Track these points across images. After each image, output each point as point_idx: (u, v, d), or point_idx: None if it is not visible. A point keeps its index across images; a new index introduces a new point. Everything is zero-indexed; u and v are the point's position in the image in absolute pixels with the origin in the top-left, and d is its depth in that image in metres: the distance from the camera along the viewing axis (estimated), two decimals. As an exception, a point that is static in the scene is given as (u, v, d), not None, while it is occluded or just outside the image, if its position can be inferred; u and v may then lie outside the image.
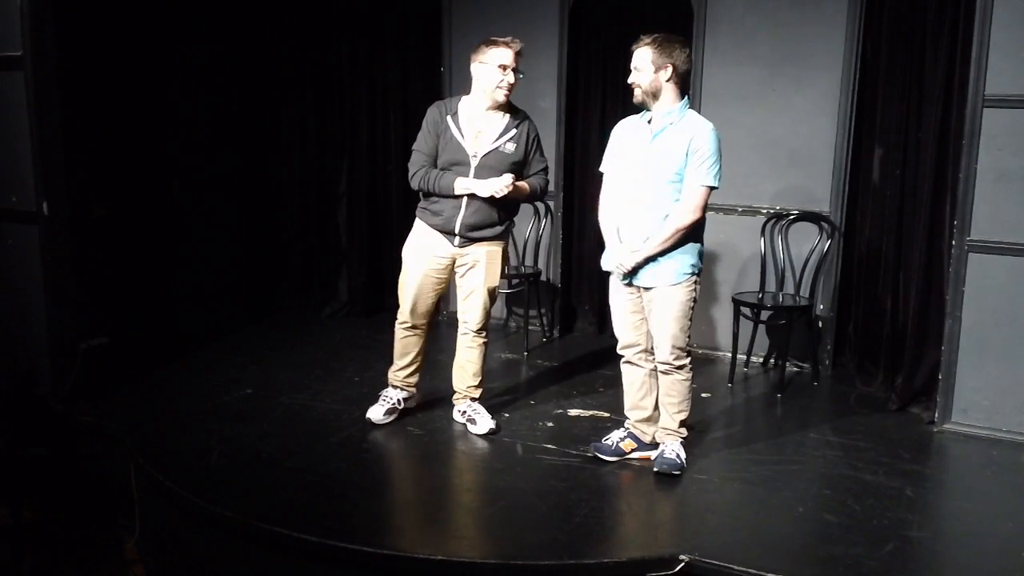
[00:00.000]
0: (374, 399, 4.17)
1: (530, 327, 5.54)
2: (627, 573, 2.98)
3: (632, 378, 3.71)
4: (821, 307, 5.00)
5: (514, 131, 3.81)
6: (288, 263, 6.20)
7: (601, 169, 3.62)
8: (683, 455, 3.63)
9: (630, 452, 3.71)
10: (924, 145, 4.41)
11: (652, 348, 3.61)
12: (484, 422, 4.05)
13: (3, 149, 4.21)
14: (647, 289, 3.49)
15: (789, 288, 4.98)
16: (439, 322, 5.97)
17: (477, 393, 4.13)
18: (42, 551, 3.86)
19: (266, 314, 5.97)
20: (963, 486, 3.83)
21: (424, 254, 3.88)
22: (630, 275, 3.49)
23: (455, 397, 4.17)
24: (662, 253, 3.40)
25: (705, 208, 3.40)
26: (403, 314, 4.00)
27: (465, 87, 5.75)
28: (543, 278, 5.65)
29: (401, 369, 4.11)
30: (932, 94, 4.35)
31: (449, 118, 3.81)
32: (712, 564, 2.95)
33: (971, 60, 3.94)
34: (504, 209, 3.85)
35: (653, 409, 3.71)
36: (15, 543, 3.83)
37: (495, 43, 3.73)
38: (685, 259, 3.44)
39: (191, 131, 5.34)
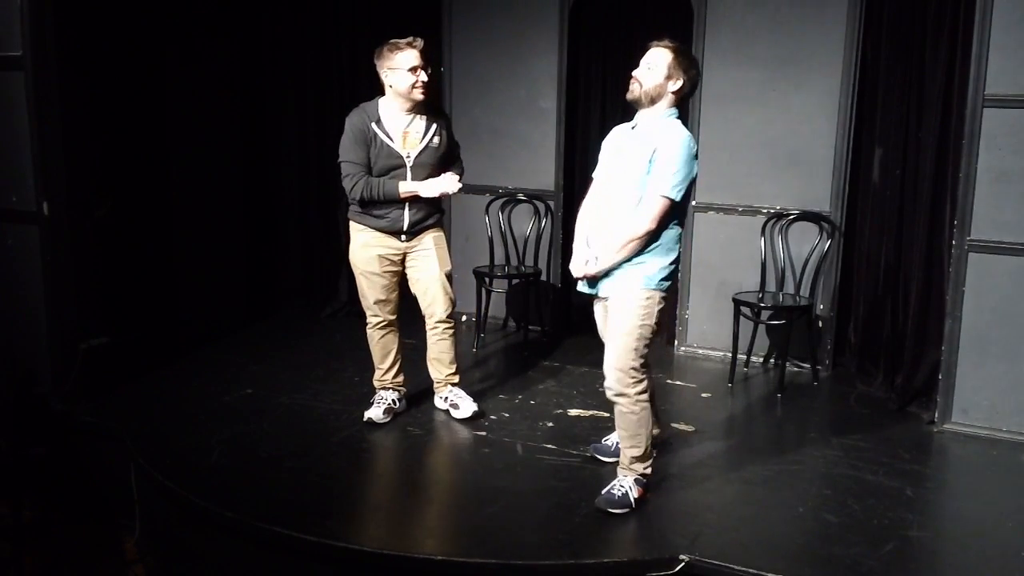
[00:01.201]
0: (374, 400, 4.17)
1: (530, 327, 5.54)
2: (627, 573, 2.98)
3: None
4: (821, 307, 5.00)
5: (435, 125, 3.92)
6: (288, 263, 6.20)
7: (593, 175, 3.50)
8: (634, 493, 3.28)
9: None
10: (924, 145, 4.41)
11: None
12: (467, 405, 4.15)
13: (3, 149, 4.22)
14: (607, 302, 3.32)
15: (789, 288, 4.98)
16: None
17: (456, 379, 4.22)
18: (42, 551, 3.85)
19: (266, 314, 5.96)
20: (963, 486, 3.84)
21: (374, 254, 3.94)
22: (590, 284, 3.32)
23: (436, 386, 4.25)
24: (619, 264, 3.20)
25: (662, 220, 3.13)
26: (373, 317, 4.04)
27: (466, 87, 5.79)
28: (543, 278, 5.65)
29: (387, 372, 4.14)
30: (932, 94, 4.35)
31: (374, 125, 3.84)
32: (712, 564, 2.95)
33: (971, 60, 3.94)
34: (438, 199, 3.98)
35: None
36: (15, 543, 3.83)
37: (398, 47, 3.75)
38: (638, 270, 3.18)
39: (191, 131, 5.34)
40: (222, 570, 3.43)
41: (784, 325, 4.81)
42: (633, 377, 3.21)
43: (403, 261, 4.01)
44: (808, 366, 4.96)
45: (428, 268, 3.98)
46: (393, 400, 4.16)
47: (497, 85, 5.58)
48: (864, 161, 4.90)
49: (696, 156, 3.17)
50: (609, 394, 3.26)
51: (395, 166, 3.85)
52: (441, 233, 4.05)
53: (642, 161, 3.15)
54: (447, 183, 3.86)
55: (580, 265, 3.30)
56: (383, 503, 3.53)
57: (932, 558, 3.15)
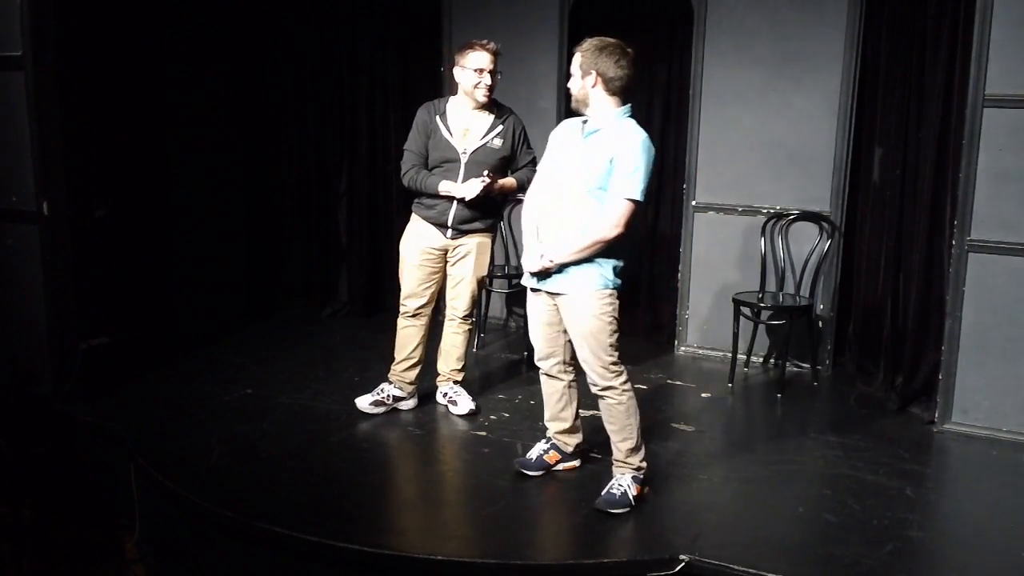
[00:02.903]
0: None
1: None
2: (627, 573, 2.98)
3: (550, 390, 3.56)
4: (821, 307, 5.00)
5: (500, 127, 3.97)
6: (288, 263, 6.20)
7: (538, 168, 3.47)
8: (632, 491, 3.29)
9: (555, 464, 3.60)
10: (924, 145, 4.41)
11: (570, 360, 3.46)
12: (464, 403, 4.21)
13: (3, 149, 4.22)
14: (557, 298, 3.30)
15: (789, 288, 4.98)
16: (440, 323, 5.99)
17: (460, 376, 4.28)
18: (42, 551, 3.86)
19: (266, 314, 5.96)
20: (963, 486, 3.84)
21: (418, 245, 4.03)
22: (539, 276, 3.31)
23: (438, 379, 4.30)
24: (575, 262, 3.20)
25: (628, 224, 3.16)
26: (403, 304, 4.11)
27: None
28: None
29: (399, 363, 4.17)
30: (932, 94, 4.35)
31: (438, 118, 3.97)
32: (712, 564, 2.95)
33: (971, 60, 3.94)
34: (493, 203, 4.04)
35: (573, 420, 3.59)
36: (15, 543, 3.83)
37: (472, 47, 3.88)
38: (597, 270, 3.21)
39: (191, 131, 5.33)
40: (222, 570, 3.43)
41: (784, 325, 4.81)
42: (614, 370, 3.28)
43: (445, 259, 4.05)
44: (808, 366, 4.96)
45: (464, 269, 4.06)
46: (390, 395, 4.17)
47: (497, 84, 5.57)
48: (864, 161, 4.90)
49: (653, 157, 3.21)
50: (595, 390, 3.32)
51: (449, 159, 3.93)
52: (488, 239, 4.09)
53: (601, 161, 3.15)
54: (471, 186, 3.85)
55: (535, 260, 3.27)
56: (383, 503, 3.53)
57: (932, 558, 3.15)
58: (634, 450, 3.35)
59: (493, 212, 4.09)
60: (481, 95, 3.89)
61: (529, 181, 3.90)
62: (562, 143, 3.33)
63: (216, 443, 3.83)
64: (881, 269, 4.76)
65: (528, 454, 3.66)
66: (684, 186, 5.23)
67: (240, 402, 4.35)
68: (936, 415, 4.19)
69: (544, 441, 3.67)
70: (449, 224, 3.96)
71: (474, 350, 5.29)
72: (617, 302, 3.30)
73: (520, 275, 5.42)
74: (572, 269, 3.22)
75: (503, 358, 5.24)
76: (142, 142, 5.05)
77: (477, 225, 4.00)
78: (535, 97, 5.52)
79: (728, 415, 4.48)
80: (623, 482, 3.33)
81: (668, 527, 3.27)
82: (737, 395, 4.74)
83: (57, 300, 4.27)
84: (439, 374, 4.30)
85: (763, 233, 4.96)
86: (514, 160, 4.04)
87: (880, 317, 4.78)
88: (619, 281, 3.29)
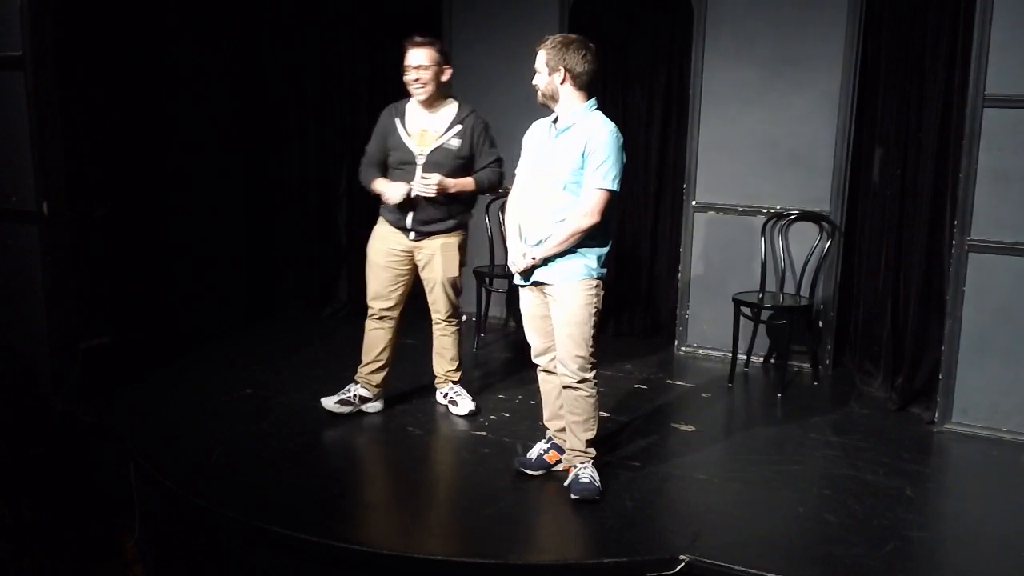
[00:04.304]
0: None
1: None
2: (627, 573, 2.98)
3: (548, 387, 3.58)
4: (821, 307, 5.00)
5: (459, 127, 3.90)
6: (288, 263, 6.19)
7: (516, 171, 3.55)
8: (597, 477, 3.42)
9: (555, 464, 3.60)
10: (924, 145, 4.41)
11: None
12: (465, 403, 4.20)
13: (3, 149, 4.21)
14: (546, 288, 3.37)
15: (789, 288, 4.98)
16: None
17: (457, 376, 4.26)
18: (42, 551, 3.86)
19: (266, 314, 5.96)
20: (963, 486, 3.84)
21: (383, 247, 4.02)
22: (526, 274, 3.39)
23: (436, 382, 4.30)
24: (559, 253, 3.30)
25: (604, 212, 3.26)
26: (369, 305, 4.09)
27: (466, 87, 5.78)
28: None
29: (366, 365, 4.14)
30: (932, 94, 4.34)
31: (397, 119, 3.94)
32: (712, 564, 2.95)
33: (971, 60, 3.94)
34: (457, 203, 3.95)
35: None
36: (15, 543, 3.83)
37: (406, 43, 3.85)
38: (582, 260, 3.30)
39: (191, 131, 5.33)
40: (222, 570, 3.42)
41: (784, 325, 4.81)
42: (591, 362, 3.36)
43: (413, 261, 4.03)
44: (808, 366, 4.96)
45: (432, 272, 4.01)
46: (355, 395, 4.15)
47: (497, 84, 5.58)
48: (864, 161, 4.90)
49: (623, 147, 3.29)
50: (570, 382, 3.37)
51: (406, 160, 3.91)
52: (454, 240, 4.00)
53: (574, 155, 3.26)
54: (396, 188, 3.84)
55: (520, 259, 3.38)
56: (383, 503, 3.53)
57: (932, 558, 3.15)
58: (593, 440, 3.45)
59: (456, 213, 3.99)
60: (416, 92, 3.84)
61: (492, 181, 3.97)
62: (535, 143, 3.44)
63: (216, 443, 3.83)
64: (881, 269, 4.76)
65: (528, 453, 3.67)
66: (684, 186, 5.23)
67: (240, 402, 4.35)
68: (936, 415, 4.19)
69: (544, 441, 3.67)
70: (408, 227, 3.93)
71: (474, 350, 5.29)
72: (602, 292, 3.37)
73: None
74: (557, 260, 3.32)
75: (503, 358, 5.24)
76: (142, 142, 5.05)
77: (438, 227, 3.94)
78: (535, 96, 5.50)
79: (728, 415, 4.48)
80: (588, 471, 3.43)
81: (668, 527, 3.28)
82: (737, 395, 4.74)
83: (57, 300, 4.27)
84: (436, 376, 4.29)
85: (763, 233, 4.96)
86: (474, 161, 3.96)
87: (880, 317, 4.78)
88: (604, 271, 3.38)
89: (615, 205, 3.37)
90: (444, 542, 3.16)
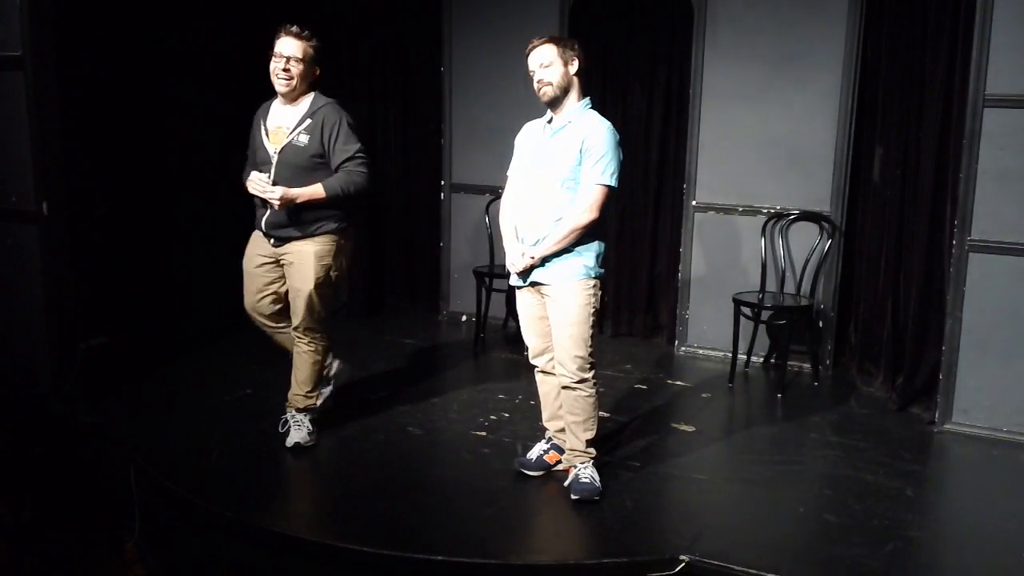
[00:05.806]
0: (374, 400, 4.17)
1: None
2: (627, 573, 2.98)
3: (546, 388, 3.58)
4: (821, 307, 5.00)
5: (308, 122, 3.56)
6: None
7: (507, 173, 3.53)
8: (597, 477, 3.41)
9: (555, 464, 3.59)
10: (924, 145, 4.41)
11: None
12: (296, 434, 3.79)
13: (3, 149, 4.21)
14: (543, 289, 3.36)
15: (789, 288, 4.98)
16: (440, 322, 5.99)
17: (303, 404, 3.84)
18: (42, 551, 3.85)
19: (266, 314, 5.95)
20: (963, 486, 3.84)
21: (252, 251, 3.79)
22: (524, 275, 3.37)
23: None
24: (556, 253, 3.28)
25: (603, 208, 3.26)
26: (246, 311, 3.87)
27: (466, 86, 5.79)
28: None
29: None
30: (932, 94, 4.35)
31: (261, 118, 3.69)
32: (712, 564, 2.95)
33: (971, 60, 3.94)
34: (313, 208, 3.58)
35: None
36: (15, 543, 3.82)
37: (277, 32, 3.58)
38: (579, 259, 3.29)
39: (191, 131, 5.33)
40: (222, 570, 3.42)
41: (784, 325, 4.81)
42: (590, 362, 3.35)
43: (280, 267, 3.74)
44: (808, 366, 4.96)
45: (291, 280, 3.71)
46: (319, 400, 3.95)
47: (497, 84, 5.58)
48: (864, 161, 4.90)
49: (620, 143, 3.30)
50: (569, 382, 3.35)
51: (264, 160, 3.63)
52: (310, 249, 3.61)
53: (571, 153, 3.27)
54: (254, 185, 3.56)
55: (518, 259, 3.37)
56: (383, 503, 3.53)
57: (932, 558, 3.15)
58: (593, 440, 3.44)
59: (314, 219, 3.59)
60: (278, 84, 3.54)
61: (353, 184, 3.57)
62: (529, 144, 3.45)
63: (216, 443, 3.83)
64: (881, 269, 4.76)
65: (528, 454, 3.67)
66: (684, 186, 5.23)
67: (240, 402, 4.35)
68: (936, 415, 4.19)
69: (544, 441, 3.67)
70: (263, 230, 3.66)
71: (474, 349, 5.29)
72: (600, 292, 3.36)
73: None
74: (555, 260, 3.31)
75: (503, 358, 5.24)
76: (141, 142, 5.05)
77: (292, 232, 3.59)
78: (534, 96, 5.50)
79: (728, 415, 4.48)
80: (588, 471, 3.42)
81: (668, 527, 3.28)
82: (737, 395, 4.74)
83: (57, 300, 4.27)
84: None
85: (763, 233, 4.96)
86: (326, 160, 3.58)
87: (880, 317, 4.78)
88: (602, 270, 3.37)
89: (613, 202, 3.37)
90: (444, 542, 3.16)
